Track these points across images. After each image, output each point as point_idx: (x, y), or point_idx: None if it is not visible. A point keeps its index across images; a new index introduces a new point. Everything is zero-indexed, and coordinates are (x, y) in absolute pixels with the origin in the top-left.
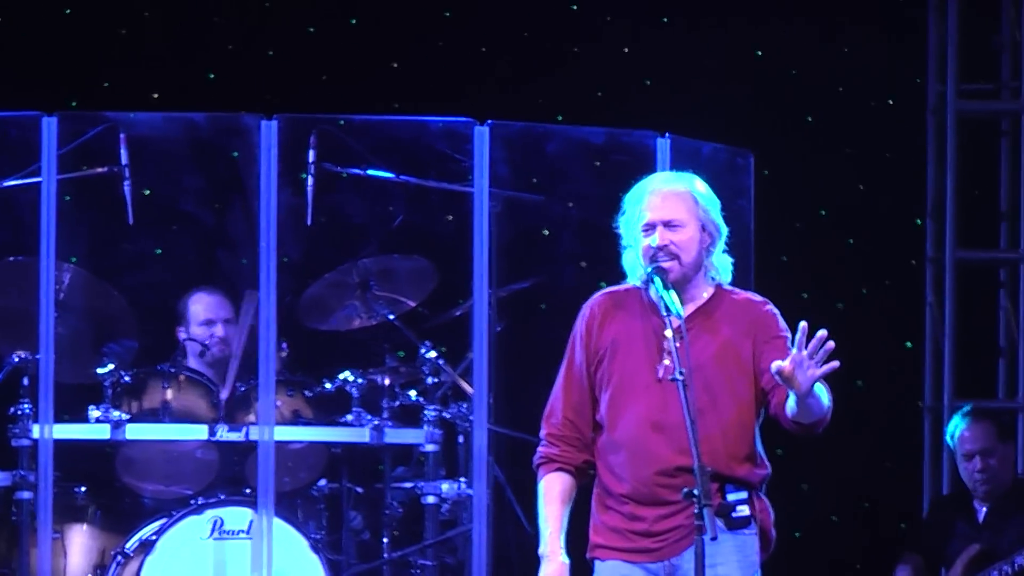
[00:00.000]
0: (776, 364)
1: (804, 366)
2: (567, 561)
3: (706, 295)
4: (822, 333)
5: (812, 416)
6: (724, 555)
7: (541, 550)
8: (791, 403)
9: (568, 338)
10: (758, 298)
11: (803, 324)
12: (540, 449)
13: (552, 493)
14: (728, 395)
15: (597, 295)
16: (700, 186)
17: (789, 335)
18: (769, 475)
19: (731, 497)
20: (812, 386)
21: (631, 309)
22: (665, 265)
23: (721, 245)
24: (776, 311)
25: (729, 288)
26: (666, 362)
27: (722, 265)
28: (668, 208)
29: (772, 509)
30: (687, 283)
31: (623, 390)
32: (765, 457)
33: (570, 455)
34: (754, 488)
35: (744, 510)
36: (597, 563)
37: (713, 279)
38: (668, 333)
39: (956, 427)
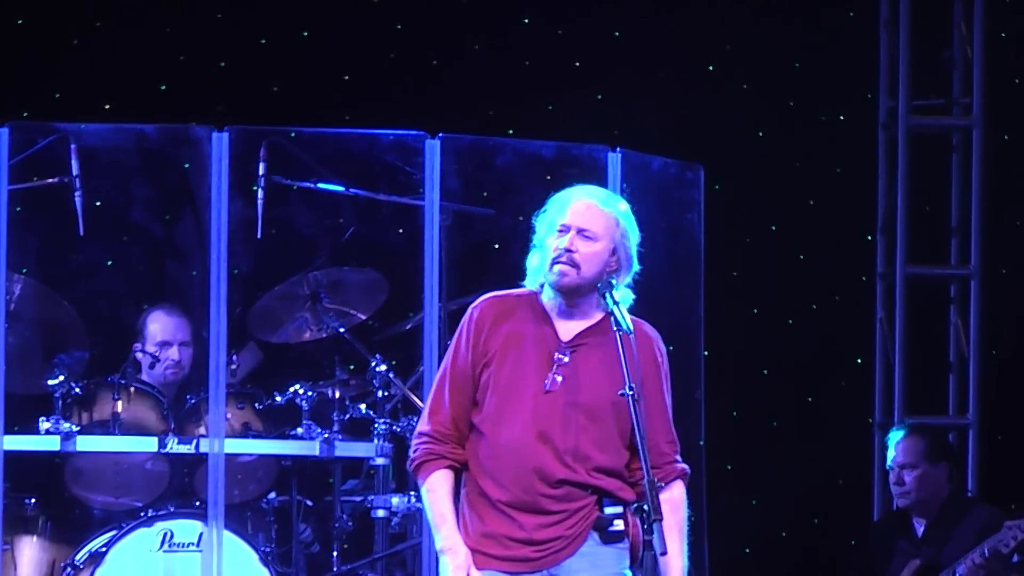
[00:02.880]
0: None
1: None
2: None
3: (598, 316)
4: None
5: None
6: (605, 564)
7: (441, 544)
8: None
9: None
10: (647, 325)
11: None
12: (424, 446)
13: (443, 489)
14: (609, 413)
15: (485, 297)
16: (626, 212)
17: (665, 364)
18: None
19: (608, 511)
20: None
21: (523, 316)
22: (562, 269)
23: (627, 279)
24: (659, 340)
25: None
26: (557, 378)
27: (624, 297)
28: (589, 218)
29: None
30: (579, 297)
31: (509, 397)
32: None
33: (457, 453)
34: (627, 505)
35: (619, 524)
36: (472, 571)
37: (609, 305)
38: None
39: (890, 439)
